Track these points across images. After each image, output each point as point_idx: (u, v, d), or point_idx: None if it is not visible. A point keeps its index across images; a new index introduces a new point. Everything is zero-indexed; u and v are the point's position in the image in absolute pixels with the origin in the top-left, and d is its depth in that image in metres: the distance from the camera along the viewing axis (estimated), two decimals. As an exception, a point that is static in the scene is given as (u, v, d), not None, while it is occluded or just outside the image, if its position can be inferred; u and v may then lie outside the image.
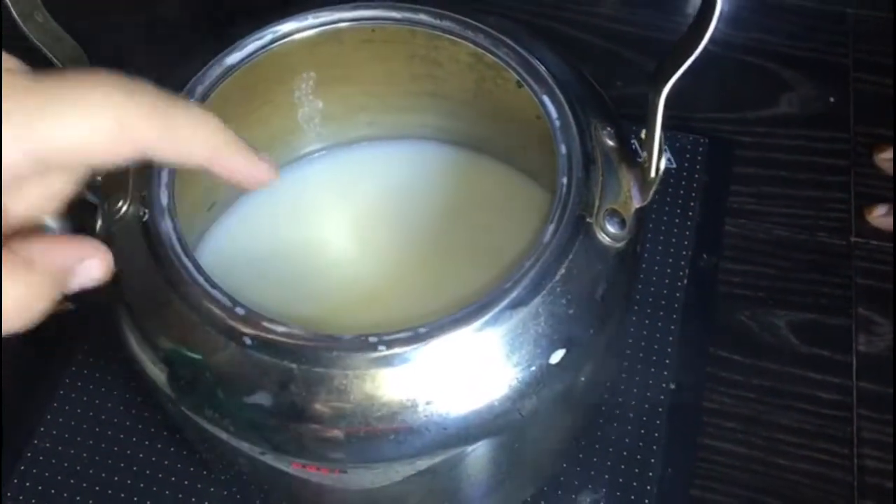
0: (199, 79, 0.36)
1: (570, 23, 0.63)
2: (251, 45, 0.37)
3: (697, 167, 0.55)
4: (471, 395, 0.30)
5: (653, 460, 0.45)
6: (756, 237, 0.53)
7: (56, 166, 0.22)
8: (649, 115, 0.32)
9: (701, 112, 0.58)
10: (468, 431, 0.30)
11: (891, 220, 0.53)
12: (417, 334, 0.29)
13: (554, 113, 0.35)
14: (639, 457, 0.46)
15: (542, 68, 0.36)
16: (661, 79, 0.30)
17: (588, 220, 0.32)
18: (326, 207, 0.43)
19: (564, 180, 0.33)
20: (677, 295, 0.50)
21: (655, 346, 0.49)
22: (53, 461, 0.46)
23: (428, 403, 0.30)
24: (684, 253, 0.52)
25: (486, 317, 0.30)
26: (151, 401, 0.47)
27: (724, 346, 0.49)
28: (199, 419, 0.32)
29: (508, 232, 0.40)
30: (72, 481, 0.45)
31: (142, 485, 0.45)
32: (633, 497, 0.45)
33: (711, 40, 0.29)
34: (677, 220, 0.53)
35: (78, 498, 0.45)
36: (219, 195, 0.42)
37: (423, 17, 0.38)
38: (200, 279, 0.31)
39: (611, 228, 0.32)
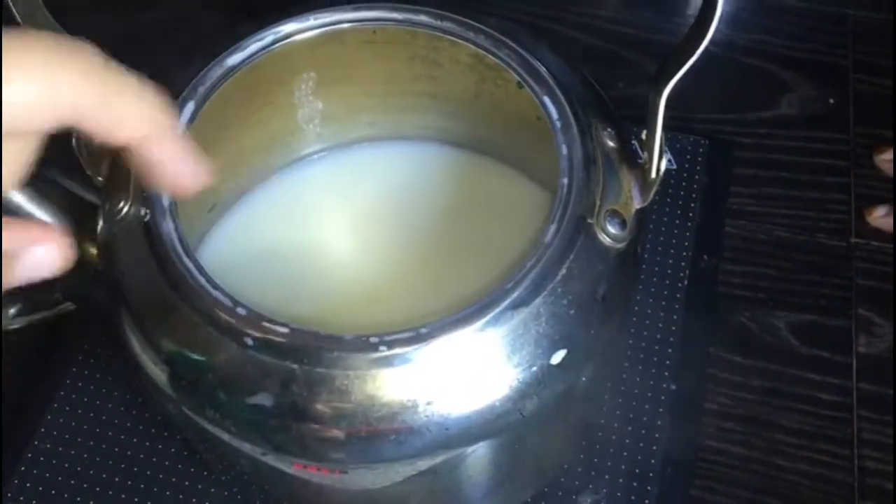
0: (199, 79, 0.36)
1: (570, 24, 0.63)
2: (252, 45, 0.37)
3: (698, 168, 0.55)
4: (472, 396, 0.30)
5: (653, 461, 0.46)
6: (756, 238, 0.53)
7: None
8: (650, 117, 0.32)
9: (701, 113, 0.58)
10: (469, 432, 0.31)
11: (891, 220, 0.53)
12: (419, 335, 0.29)
13: (555, 114, 0.35)
14: (639, 457, 0.46)
15: (542, 69, 0.36)
16: (662, 80, 0.30)
17: (589, 220, 0.32)
18: (327, 208, 0.43)
19: (565, 181, 0.33)
20: (678, 296, 0.50)
21: (656, 347, 0.49)
22: (54, 461, 0.46)
23: (429, 404, 0.30)
24: (684, 254, 0.52)
25: (488, 317, 0.30)
26: (152, 401, 0.47)
27: (724, 346, 0.50)
28: (200, 420, 0.32)
29: (509, 232, 0.40)
30: (72, 482, 0.45)
31: (142, 485, 0.45)
32: (633, 497, 0.45)
33: (712, 41, 0.29)
34: (677, 221, 0.53)
35: (78, 498, 0.45)
36: (220, 196, 0.42)
37: (423, 18, 0.38)
38: (202, 280, 0.31)
39: (611, 229, 0.32)
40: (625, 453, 0.46)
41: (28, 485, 0.45)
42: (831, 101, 0.59)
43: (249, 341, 0.30)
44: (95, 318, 0.38)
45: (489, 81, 0.39)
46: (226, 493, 0.45)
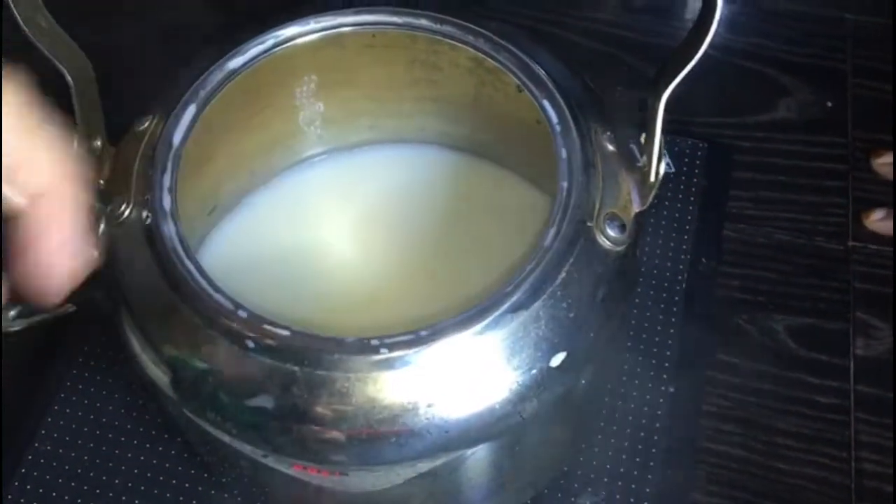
0: (201, 83, 0.36)
1: (570, 28, 0.63)
2: (253, 49, 0.37)
3: (696, 172, 0.55)
4: (472, 398, 0.30)
5: (652, 463, 0.46)
6: (754, 241, 0.53)
7: None
8: (649, 121, 0.32)
9: (700, 117, 0.58)
10: (469, 434, 0.31)
11: (887, 224, 0.53)
12: (419, 337, 0.30)
13: (554, 117, 0.35)
14: (638, 460, 0.46)
15: (542, 73, 0.36)
16: (662, 84, 0.31)
17: (588, 224, 0.32)
18: (327, 210, 0.44)
19: (565, 185, 0.33)
20: (676, 298, 0.51)
21: (654, 350, 0.49)
22: (54, 464, 0.46)
23: (429, 406, 0.30)
24: (683, 257, 0.52)
25: (487, 320, 0.30)
26: (153, 403, 0.47)
27: (722, 349, 0.50)
28: (201, 422, 0.32)
29: (508, 235, 0.40)
30: (72, 484, 0.45)
31: (142, 487, 0.45)
32: (632, 500, 0.45)
33: (710, 45, 0.29)
34: (676, 225, 0.53)
35: (79, 500, 0.45)
36: (220, 199, 0.42)
37: (423, 22, 0.38)
38: (203, 282, 0.31)
39: (611, 232, 0.33)
40: (623, 456, 0.46)
41: (28, 487, 0.45)
42: (829, 104, 0.59)
43: (250, 344, 0.30)
44: (96, 320, 0.38)
45: (489, 85, 0.39)
46: (226, 496, 0.45)
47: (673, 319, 0.50)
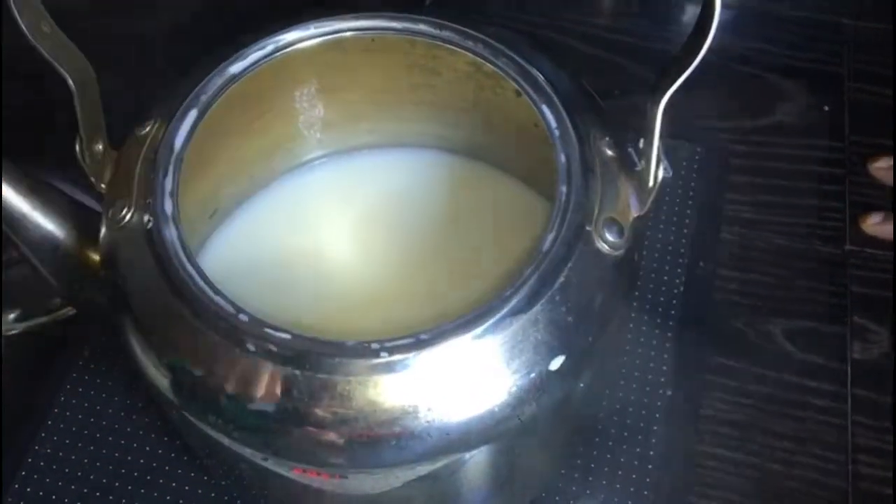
0: (202, 88, 0.36)
1: (567, 32, 0.63)
2: (254, 54, 0.37)
3: (694, 176, 0.56)
4: (471, 402, 0.30)
5: (650, 466, 0.46)
6: (752, 245, 0.54)
7: None
8: (648, 126, 0.32)
9: (698, 121, 0.58)
10: (469, 437, 0.31)
11: (885, 227, 0.53)
12: (419, 341, 0.30)
13: (553, 122, 0.35)
14: (636, 463, 0.46)
15: (540, 78, 0.36)
16: (660, 90, 0.31)
17: (587, 228, 0.32)
18: (327, 214, 0.44)
19: (563, 189, 0.33)
20: (674, 302, 0.51)
21: (652, 353, 0.49)
22: (54, 466, 0.46)
23: (429, 409, 0.30)
24: (681, 260, 0.52)
25: (487, 324, 0.30)
26: (153, 406, 0.47)
27: (720, 353, 0.50)
28: (201, 425, 0.32)
29: (507, 239, 0.40)
30: (72, 486, 0.46)
31: (142, 490, 0.45)
32: (630, 502, 0.45)
33: (708, 50, 0.29)
34: (674, 229, 0.53)
35: (79, 503, 0.45)
36: (220, 202, 0.42)
37: (422, 27, 0.38)
38: (204, 286, 0.31)
39: (609, 237, 0.33)
40: (622, 459, 0.46)
41: (29, 489, 0.45)
42: (827, 109, 0.59)
43: (251, 347, 0.30)
44: (97, 323, 0.39)
45: (487, 90, 0.39)
46: (226, 498, 0.45)
47: (671, 323, 0.50)
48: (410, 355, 0.30)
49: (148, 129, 0.36)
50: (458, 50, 0.38)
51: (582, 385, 0.34)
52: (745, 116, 0.59)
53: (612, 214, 0.33)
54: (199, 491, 0.45)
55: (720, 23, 0.28)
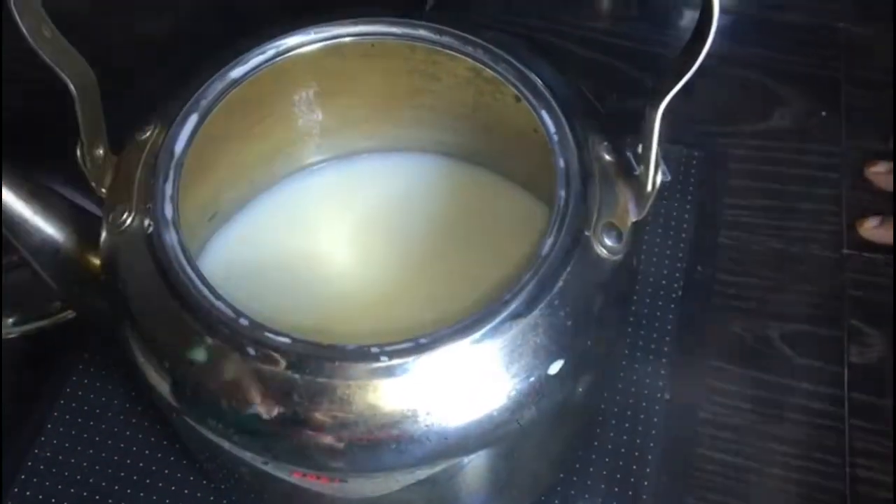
0: (202, 93, 0.36)
1: (566, 36, 0.63)
2: (254, 59, 0.37)
3: (692, 180, 0.56)
4: (471, 406, 0.30)
5: (648, 470, 0.46)
6: (750, 249, 0.54)
7: None
8: (646, 131, 0.32)
9: (695, 125, 0.58)
10: (468, 441, 0.31)
11: (882, 232, 0.53)
12: (418, 345, 0.30)
13: (552, 127, 0.35)
14: (634, 466, 0.46)
15: (539, 83, 0.36)
16: (659, 95, 0.31)
17: (586, 233, 0.33)
18: (326, 218, 0.44)
19: (562, 194, 0.33)
20: (672, 306, 0.51)
21: (650, 357, 0.49)
22: (54, 470, 0.46)
23: (428, 413, 0.30)
24: (679, 265, 0.52)
25: (486, 328, 0.30)
26: (153, 410, 0.47)
27: (718, 356, 0.50)
28: (201, 429, 0.32)
29: (506, 244, 0.40)
30: (72, 490, 0.46)
31: (142, 494, 0.45)
32: (628, 506, 0.45)
33: (707, 54, 0.29)
34: (672, 233, 0.54)
35: (78, 507, 0.45)
36: (220, 206, 0.42)
37: (422, 32, 0.38)
38: (204, 290, 0.31)
39: (608, 241, 0.33)
40: (620, 462, 0.46)
41: (28, 493, 0.45)
42: (824, 114, 0.59)
43: (251, 351, 0.30)
44: (97, 327, 0.39)
45: (487, 95, 0.39)
46: (225, 502, 0.45)
47: (668, 327, 0.50)
48: (410, 359, 0.30)
49: (148, 133, 0.36)
50: (458, 55, 0.38)
51: (580, 389, 0.34)
52: (743, 121, 0.59)
53: (611, 219, 0.34)
54: (199, 494, 0.45)
55: (718, 28, 0.28)
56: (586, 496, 0.45)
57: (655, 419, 0.47)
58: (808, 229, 0.54)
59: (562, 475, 0.46)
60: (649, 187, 0.34)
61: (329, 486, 0.34)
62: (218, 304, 0.31)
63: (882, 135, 0.57)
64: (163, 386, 0.32)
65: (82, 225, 0.35)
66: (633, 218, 0.34)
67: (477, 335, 0.30)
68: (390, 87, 0.41)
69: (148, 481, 0.46)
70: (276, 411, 0.30)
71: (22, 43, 0.31)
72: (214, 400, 0.31)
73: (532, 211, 0.42)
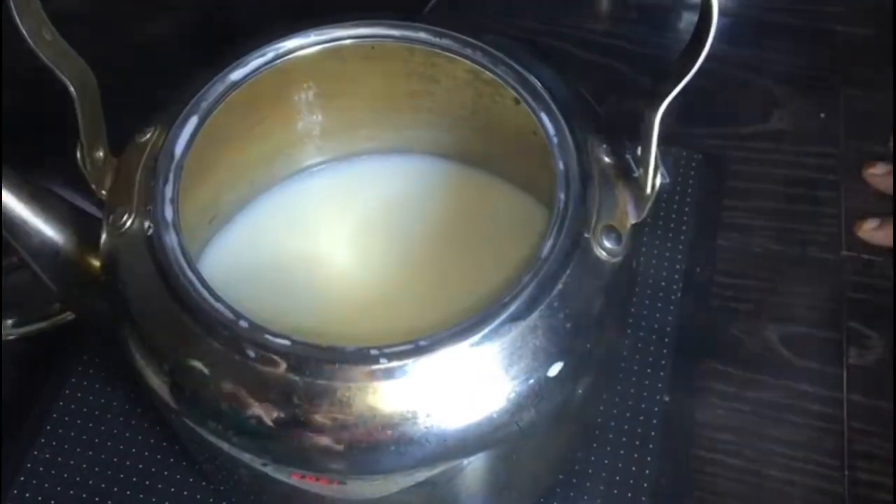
0: (203, 94, 0.36)
1: (566, 38, 0.63)
2: (254, 61, 0.37)
3: (691, 182, 0.56)
4: (470, 408, 0.30)
5: (647, 472, 0.46)
6: (749, 251, 0.54)
7: None
8: (645, 133, 0.32)
9: (694, 127, 0.59)
10: (467, 443, 0.31)
11: (880, 233, 0.53)
12: (418, 347, 0.30)
13: (551, 129, 0.35)
14: (633, 468, 0.46)
15: (538, 85, 0.37)
16: (658, 98, 0.31)
17: (585, 235, 0.33)
18: (326, 219, 0.44)
19: (562, 196, 0.33)
20: (671, 308, 0.51)
21: (650, 359, 0.49)
22: (54, 471, 0.46)
23: (428, 415, 0.30)
24: (678, 266, 0.53)
25: (486, 330, 0.30)
26: (152, 412, 0.47)
27: (717, 358, 0.50)
28: (201, 431, 0.32)
29: (505, 246, 0.40)
30: (71, 491, 0.46)
31: (141, 495, 0.45)
32: (627, 508, 0.45)
33: (706, 57, 0.29)
34: (671, 235, 0.54)
35: (77, 508, 0.45)
36: (219, 208, 0.42)
37: (421, 34, 0.38)
38: (204, 292, 0.31)
39: (607, 244, 0.33)
40: (619, 464, 0.46)
41: (27, 495, 0.45)
42: (822, 115, 0.59)
43: (251, 353, 0.30)
44: (97, 329, 0.39)
45: (486, 97, 0.39)
46: (224, 503, 0.45)
47: (668, 329, 0.50)
48: (409, 361, 0.30)
49: (148, 135, 0.36)
50: (457, 58, 0.38)
51: (580, 391, 0.34)
52: (741, 123, 0.59)
53: (610, 221, 0.34)
54: (198, 496, 0.45)
55: (717, 30, 0.28)
56: (586, 498, 0.45)
57: (654, 421, 0.47)
58: (806, 231, 0.54)
59: (561, 477, 0.46)
60: (648, 189, 0.34)
61: (328, 487, 0.34)
62: (218, 306, 0.31)
63: (881, 137, 0.57)
64: (162, 388, 0.32)
65: (82, 227, 0.35)
66: (632, 220, 0.34)
67: (476, 337, 0.30)
68: (390, 90, 0.42)
69: (147, 482, 0.46)
70: (275, 413, 0.30)
71: (22, 43, 0.31)
72: (214, 402, 0.31)
73: (531, 213, 0.42)
